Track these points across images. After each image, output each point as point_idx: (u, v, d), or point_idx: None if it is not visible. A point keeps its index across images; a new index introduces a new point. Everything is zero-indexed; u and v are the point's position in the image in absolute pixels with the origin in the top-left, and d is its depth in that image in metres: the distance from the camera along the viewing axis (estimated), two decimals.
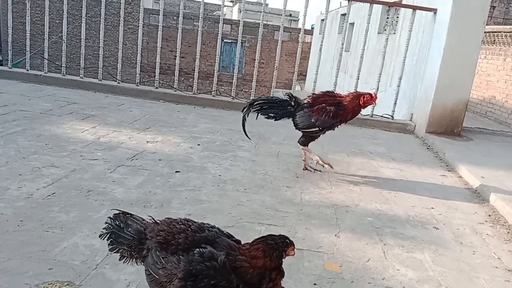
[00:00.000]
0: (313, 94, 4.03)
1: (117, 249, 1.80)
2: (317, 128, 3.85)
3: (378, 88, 6.31)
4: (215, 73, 6.70)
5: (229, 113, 6.13)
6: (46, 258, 2.17)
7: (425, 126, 5.86)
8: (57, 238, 2.36)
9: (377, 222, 3.08)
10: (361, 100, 3.77)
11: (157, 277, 1.63)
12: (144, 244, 1.73)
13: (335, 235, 2.80)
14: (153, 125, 4.96)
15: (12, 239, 2.30)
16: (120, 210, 1.86)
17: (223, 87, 17.36)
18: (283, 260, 1.66)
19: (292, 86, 6.86)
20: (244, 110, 4.00)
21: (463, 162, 4.60)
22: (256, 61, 6.57)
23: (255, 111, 3.96)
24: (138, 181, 3.29)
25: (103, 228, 1.80)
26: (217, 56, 6.71)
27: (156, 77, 6.68)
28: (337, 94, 3.97)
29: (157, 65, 6.63)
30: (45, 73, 6.57)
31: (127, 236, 1.76)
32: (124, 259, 1.81)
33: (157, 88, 6.59)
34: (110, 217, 1.82)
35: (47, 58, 6.65)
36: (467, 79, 5.82)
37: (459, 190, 4.01)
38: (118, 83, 6.59)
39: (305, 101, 3.92)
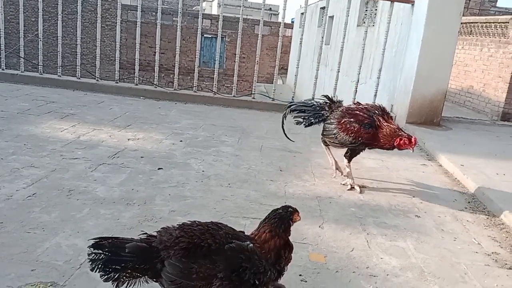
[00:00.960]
0: (357, 103, 3.74)
1: (114, 277, 1.63)
2: (338, 143, 3.52)
3: (358, 80, 6.37)
4: (196, 69, 6.66)
5: (211, 108, 6.11)
6: (28, 259, 2.14)
7: (405, 116, 5.94)
8: (39, 239, 2.33)
9: (360, 212, 3.12)
10: (397, 140, 3.25)
11: (192, 283, 1.57)
12: (153, 259, 1.62)
13: (319, 226, 2.83)
14: (134, 122, 4.91)
15: None
16: (98, 238, 1.66)
17: (204, 82, 17.26)
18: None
19: (274, 80, 6.87)
20: (284, 113, 3.87)
21: (443, 151, 4.69)
22: (237, 55, 6.55)
23: (292, 111, 3.79)
24: (120, 179, 3.26)
25: (90, 260, 1.63)
26: (197, 51, 6.67)
27: (135, 73, 6.60)
28: (379, 113, 3.41)
29: (136, 61, 6.55)
30: (21, 72, 6.43)
31: (127, 258, 1.61)
32: (125, 283, 1.65)
33: (137, 85, 6.51)
34: (92, 247, 1.62)
35: (23, 57, 6.50)
36: (445, 69, 5.92)
37: (440, 179, 4.08)
38: (97, 80, 6.49)
39: (341, 109, 3.58)
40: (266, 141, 4.71)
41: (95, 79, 6.51)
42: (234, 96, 6.50)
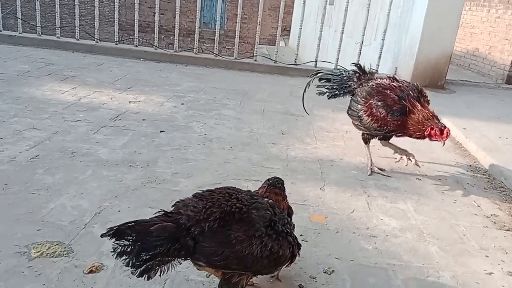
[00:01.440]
0: (391, 78, 3.16)
1: (148, 268, 1.47)
2: (362, 126, 3.15)
3: (362, 42, 6.25)
4: (196, 30, 6.53)
5: (212, 71, 6.04)
6: (34, 219, 2.17)
7: (409, 79, 5.85)
8: (44, 200, 2.36)
9: (361, 175, 3.14)
10: (428, 130, 2.85)
11: (234, 248, 1.54)
12: (184, 238, 1.50)
13: (321, 189, 2.86)
14: (135, 84, 4.87)
15: None
16: (116, 226, 1.44)
17: (205, 44, 16.97)
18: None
19: (276, 42, 6.74)
20: (308, 81, 3.43)
21: (446, 114, 4.65)
22: (238, 16, 6.41)
23: (318, 79, 3.41)
24: (122, 142, 3.26)
25: (117, 254, 1.43)
26: (197, 11, 6.52)
27: (135, 35, 6.48)
28: (413, 94, 2.97)
29: (135, 22, 6.42)
30: (19, 33, 6.32)
31: (157, 243, 1.45)
32: (157, 272, 1.51)
33: (137, 46, 6.41)
34: (114, 237, 1.43)
35: (20, 17, 6.37)
36: (451, 31, 5.79)
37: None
38: (97, 42, 6.39)
39: (371, 84, 3.10)
40: (268, 104, 4.68)
41: (94, 40, 6.41)
42: (235, 58, 6.41)
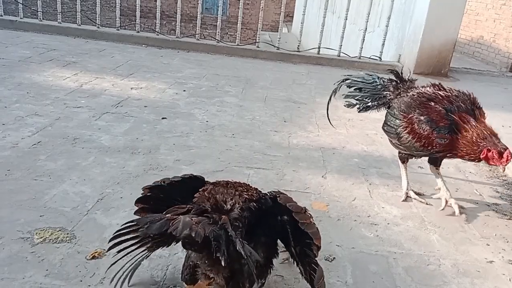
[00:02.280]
0: (437, 85, 2.57)
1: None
2: (401, 145, 2.58)
3: (366, 28, 6.19)
4: (198, 16, 6.47)
5: (214, 57, 6.01)
6: (37, 205, 2.18)
7: (412, 67, 5.82)
8: (46, 186, 2.37)
9: (363, 163, 3.14)
10: (484, 152, 2.27)
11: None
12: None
13: (322, 176, 2.86)
14: (137, 71, 4.85)
15: (1, 188, 2.30)
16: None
17: (207, 30, 16.87)
18: None
19: (279, 29, 6.69)
20: (334, 88, 2.97)
21: None
22: (240, 1, 6.34)
23: (346, 87, 2.92)
24: (124, 128, 3.26)
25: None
26: None
27: (137, 20, 6.43)
28: (465, 107, 2.41)
29: (137, 7, 6.36)
30: (20, 18, 6.27)
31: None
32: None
33: (138, 32, 6.37)
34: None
35: (21, 2, 6.32)
36: (456, 18, 5.73)
37: None
38: (98, 27, 6.34)
39: (412, 93, 2.56)
40: (271, 91, 4.66)
41: (96, 26, 6.36)
42: (238, 45, 6.36)
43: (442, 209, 2.57)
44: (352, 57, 6.29)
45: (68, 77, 4.34)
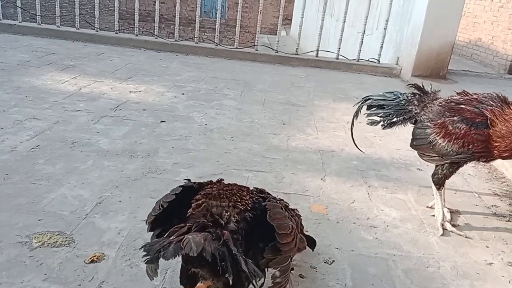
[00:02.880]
0: (463, 92, 2.48)
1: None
2: (436, 156, 2.42)
3: (364, 31, 6.21)
4: (197, 19, 6.48)
5: (213, 60, 6.01)
6: (35, 209, 2.18)
7: (411, 69, 5.83)
8: (45, 189, 2.36)
9: (362, 165, 3.14)
10: None
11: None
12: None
13: (321, 179, 2.86)
14: (135, 74, 4.85)
15: None
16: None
17: (206, 33, 16.89)
18: None
19: (277, 32, 6.70)
20: (356, 110, 2.74)
21: None
22: (239, 5, 6.36)
23: (367, 108, 2.72)
24: (123, 132, 3.26)
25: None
26: (198, 0, 6.47)
27: (135, 24, 6.44)
28: (496, 103, 2.26)
29: (136, 11, 6.37)
30: (19, 22, 6.28)
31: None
32: None
33: (137, 35, 6.38)
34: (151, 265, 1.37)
35: (20, 6, 6.33)
36: (454, 20, 5.74)
37: None
38: (97, 31, 6.35)
39: (438, 102, 2.47)
40: (269, 94, 4.66)
41: (94, 29, 6.37)
42: (236, 48, 6.37)
43: (440, 234, 2.38)
44: (350, 60, 6.30)
45: (67, 80, 4.34)
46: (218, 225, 1.41)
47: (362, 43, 6.23)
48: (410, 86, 2.73)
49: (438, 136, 2.35)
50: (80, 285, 1.72)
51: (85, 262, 1.85)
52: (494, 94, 2.33)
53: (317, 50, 6.31)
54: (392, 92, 2.74)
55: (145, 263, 1.32)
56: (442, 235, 2.37)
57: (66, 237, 1.99)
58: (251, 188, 1.70)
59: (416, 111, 2.56)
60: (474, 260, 2.19)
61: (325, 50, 6.46)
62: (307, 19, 9.40)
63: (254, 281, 1.33)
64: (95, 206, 2.26)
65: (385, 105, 2.66)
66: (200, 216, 1.46)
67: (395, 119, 2.62)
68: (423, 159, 2.57)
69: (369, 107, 2.70)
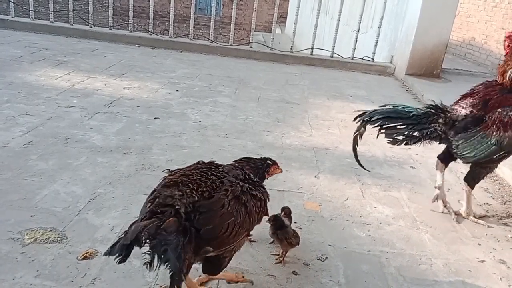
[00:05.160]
0: (472, 94, 2.58)
1: (184, 268, 1.35)
2: (503, 152, 2.36)
3: (359, 30, 6.22)
4: (191, 16, 6.46)
5: (207, 57, 6.00)
6: (28, 206, 2.16)
7: (405, 68, 5.85)
8: (37, 186, 2.35)
9: (355, 163, 3.12)
10: None
11: (236, 213, 1.51)
12: (187, 229, 1.40)
13: (315, 176, 2.86)
14: (129, 70, 4.83)
15: None
16: (127, 242, 1.31)
17: (200, 31, 16.84)
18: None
19: (272, 29, 6.69)
20: (357, 128, 2.58)
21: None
22: (234, 2, 6.34)
23: (375, 127, 2.57)
24: (116, 128, 3.24)
25: (151, 264, 1.30)
26: None
27: (129, 20, 6.40)
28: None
29: (130, 7, 6.33)
30: (12, 17, 6.22)
31: (177, 238, 1.33)
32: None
33: (131, 32, 6.34)
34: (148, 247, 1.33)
35: (13, 1, 6.27)
36: (448, 19, 5.77)
37: None
38: (91, 27, 6.31)
39: (464, 112, 2.46)
40: (264, 91, 4.66)
41: (88, 25, 6.33)
42: (231, 45, 6.36)
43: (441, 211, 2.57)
44: (345, 58, 6.31)
45: (60, 76, 4.31)
46: (168, 212, 1.41)
47: (356, 42, 6.24)
48: (428, 107, 2.56)
49: (498, 132, 2.31)
50: (72, 281, 1.72)
51: (77, 259, 1.84)
52: (486, 81, 2.50)
53: (312, 48, 6.31)
54: (405, 107, 2.58)
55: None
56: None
57: (59, 234, 1.98)
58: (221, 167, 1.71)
59: (443, 129, 2.46)
60: (466, 257, 2.20)
61: (320, 48, 6.46)
62: (302, 17, 9.40)
63: (177, 272, 1.30)
64: (88, 202, 2.25)
65: (404, 122, 2.50)
66: (155, 202, 1.47)
67: (419, 134, 2.48)
68: (485, 171, 2.53)
69: (381, 126, 2.53)
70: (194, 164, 1.71)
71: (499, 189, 3.02)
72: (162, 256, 1.29)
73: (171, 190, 1.50)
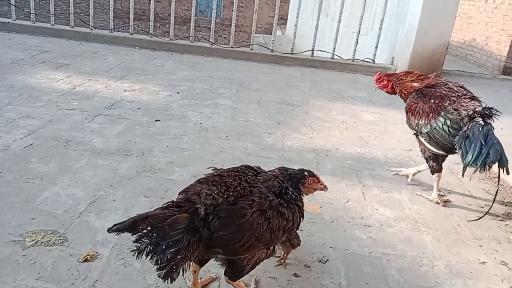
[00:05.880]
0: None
1: (175, 266, 1.33)
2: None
3: (359, 31, 6.22)
4: (192, 18, 6.47)
5: (208, 59, 6.00)
6: (29, 208, 2.16)
7: (405, 69, 5.84)
8: (38, 188, 2.35)
9: (356, 165, 3.15)
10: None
11: (255, 226, 1.47)
12: (199, 228, 1.40)
13: None
14: (130, 73, 4.83)
15: None
16: (126, 221, 1.36)
17: (201, 33, 16.85)
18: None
19: (273, 31, 6.70)
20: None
21: None
22: (234, 4, 6.35)
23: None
24: (117, 130, 3.25)
25: (143, 254, 1.31)
26: None
27: (130, 22, 6.41)
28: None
29: (131, 10, 6.35)
30: (13, 20, 6.24)
31: (179, 236, 1.34)
32: (179, 270, 1.36)
33: (132, 34, 6.35)
34: (130, 232, 1.34)
35: (14, 4, 6.29)
36: (449, 21, 5.78)
37: None
38: (91, 29, 6.32)
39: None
40: (264, 93, 4.66)
41: (89, 28, 6.34)
42: (231, 47, 6.37)
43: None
44: (345, 60, 6.32)
45: (61, 79, 4.31)
46: (185, 208, 1.44)
47: (357, 43, 6.24)
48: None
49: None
50: (73, 284, 1.71)
51: (78, 261, 1.84)
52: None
53: (312, 50, 6.31)
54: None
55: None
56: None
57: (60, 236, 1.98)
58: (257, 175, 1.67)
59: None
60: (467, 259, 2.20)
61: (321, 50, 6.47)
62: (302, 18, 9.41)
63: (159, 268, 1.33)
64: (89, 205, 2.25)
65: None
66: (181, 196, 1.53)
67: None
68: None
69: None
70: (237, 166, 1.70)
71: (500, 190, 3.01)
72: (151, 247, 1.31)
73: (202, 187, 1.51)
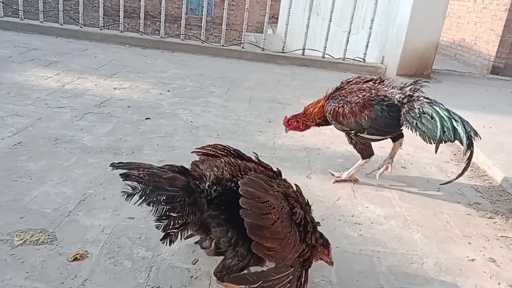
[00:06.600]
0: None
1: (171, 224, 1.43)
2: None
3: (350, 31, 6.25)
4: (183, 16, 6.44)
5: (199, 58, 5.98)
6: (17, 207, 2.14)
7: (395, 68, 5.89)
8: (27, 187, 2.32)
9: (347, 163, 3.16)
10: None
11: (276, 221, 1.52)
12: (195, 193, 1.47)
13: (307, 176, 2.87)
14: (120, 71, 4.80)
15: None
16: (123, 166, 1.48)
17: (192, 31, 16.78)
18: None
19: (264, 30, 6.70)
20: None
21: None
22: (225, 2, 6.34)
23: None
24: (107, 129, 3.22)
25: (134, 195, 1.42)
26: None
27: (120, 20, 6.37)
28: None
29: (121, 7, 6.30)
30: (1, 17, 6.16)
31: (174, 193, 1.42)
32: (176, 234, 1.47)
33: (122, 32, 6.31)
34: (123, 178, 1.44)
35: (2, 1, 6.20)
36: (438, 21, 5.82)
37: None
38: (81, 27, 6.26)
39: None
40: (255, 92, 4.66)
41: (78, 25, 6.28)
42: (222, 45, 6.35)
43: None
44: (336, 59, 6.33)
45: (50, 77, 4.27)
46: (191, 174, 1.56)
47: (348, 42, 6.27)
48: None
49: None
50: (63, 283, 1.70)
51: (68, 260, 1.82)
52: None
53: (303, 49, 6.32)
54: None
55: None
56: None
57: (49, 235, 1.96)
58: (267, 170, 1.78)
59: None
60: (456, 256, 2.22)
61: (311, 49, 6.48)
62: (293, 17, 9.41)
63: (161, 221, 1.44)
64: (79, 203, 2.23)
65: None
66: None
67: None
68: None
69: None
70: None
71: (489, 188, 3.05)
72: (145, 192, 1.40)
73: (219, 162, 1.65)
